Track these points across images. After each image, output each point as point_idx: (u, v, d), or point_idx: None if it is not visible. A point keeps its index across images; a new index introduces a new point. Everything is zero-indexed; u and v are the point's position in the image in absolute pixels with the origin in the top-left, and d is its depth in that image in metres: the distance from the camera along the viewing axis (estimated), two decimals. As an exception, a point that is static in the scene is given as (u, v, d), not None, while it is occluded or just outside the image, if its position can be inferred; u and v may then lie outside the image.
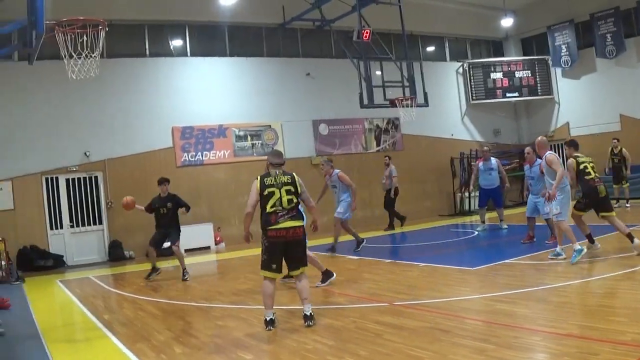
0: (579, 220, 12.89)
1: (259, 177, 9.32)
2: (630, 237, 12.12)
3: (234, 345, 8.23)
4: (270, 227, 9.06)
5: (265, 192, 9.13)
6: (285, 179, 9.30)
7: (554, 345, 6.89)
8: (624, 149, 21.96)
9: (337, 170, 16.39)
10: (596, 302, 9.15)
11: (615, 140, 22.29)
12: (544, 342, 7.09)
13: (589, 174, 12.68)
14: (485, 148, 19.56)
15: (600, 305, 8.89)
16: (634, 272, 10.71)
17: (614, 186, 21.92)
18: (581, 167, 12.77)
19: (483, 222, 19.58)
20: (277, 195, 9.13)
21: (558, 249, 12.68)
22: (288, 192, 9.21)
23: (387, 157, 22.66)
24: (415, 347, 7.46)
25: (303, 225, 9.33)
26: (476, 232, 19.25)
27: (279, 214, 9.07)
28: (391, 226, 22.27)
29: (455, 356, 6.98)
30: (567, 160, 13.17)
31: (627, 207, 21.48)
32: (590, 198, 12.72)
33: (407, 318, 9.05)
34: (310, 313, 9.05)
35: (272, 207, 9.10)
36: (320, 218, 10.71)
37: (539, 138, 13.51)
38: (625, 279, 10.42)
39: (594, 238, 12.89)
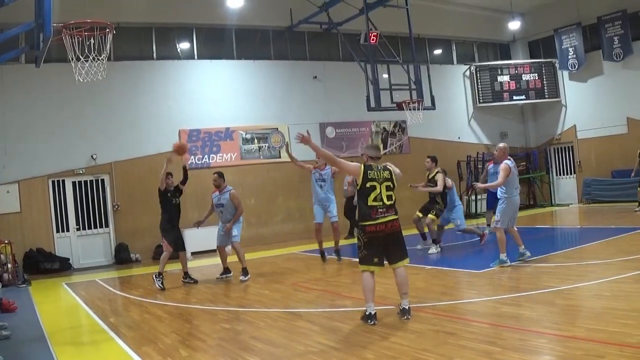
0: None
1: (363, 165, 9.19)
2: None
3: (241, 349, 8.22)
4: (369, 223, 9.01)
5: (368, 185, 9.06)
6: (386, 174, 9.23)
7: (560, 348, 6.88)
8: None
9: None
10: (603, 304, 9.10)
11: None
12: (549, 345, 7.06)
13: None
14: (495, 151, 19.36)
15: (606, 308, 8.86)
16: (643, 275, 10.70)
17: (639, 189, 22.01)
18: None
19: (489, 224, 19.56)
20: (378, 190, 9.07)
21: (520, 249, 13.16)
22: (388, 188, 9.19)
23: None
24: (422, 349, 7.47)
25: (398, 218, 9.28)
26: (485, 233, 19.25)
27: (379, 210, 9.03)
28: (351, 234, 21.97)
29: (462, 359, 7.00)
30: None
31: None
32: None
33: (414, 321, 9.03)
34: (408, 307, 9.09)
35: (373, 200, 9.05)
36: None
37: (502, 145, 13.88)
38: (633, 281, 10.38)
39: None
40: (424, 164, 16.20)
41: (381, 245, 9.13)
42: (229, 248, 15.57)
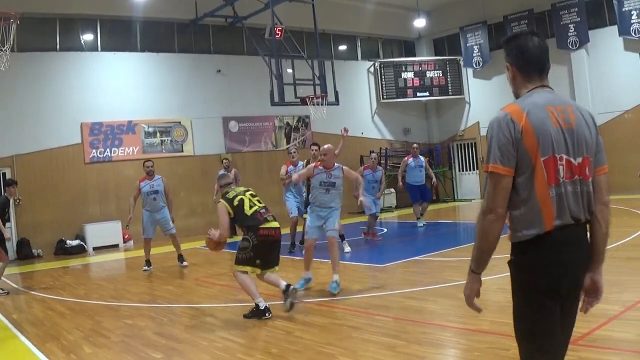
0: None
1: (222, 200, 9.67)
2: None
3: (144, 345, 8.24)
4: (263, 226, 9.41)
5: (235, 203, 9.50)
6: (242, 189, 9.83)
7: (464, 341, 7.08)
8: None
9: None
10: (507, 298, 9.31)
11: None
12: (454, 338, 7.27)
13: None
14: (414, 145, 19.74)
15: (509, 302, 9.10)
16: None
17: None
18: None
19: (419, 217, 19.85)
20: (246, 199, 9.61)
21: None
22: (252, 195, 9.76)
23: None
24: (326, 343, 7.62)
25: None
26: (419, 226, 19.53)
27: (261, 211, 9.53)
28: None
29: (366, 352, 7.15)
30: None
31: None
32: None
33: (317, 315, 9.21)
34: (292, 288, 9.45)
35: (250, 208, 9.47)
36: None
37: (327, 146, 11.93)
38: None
39: None
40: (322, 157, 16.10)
41: (266, 250, 9.48)
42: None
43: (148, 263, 15.48)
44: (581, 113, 3.71)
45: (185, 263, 15.52)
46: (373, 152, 21.05)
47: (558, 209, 3.55)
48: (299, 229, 15.71)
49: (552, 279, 3.57)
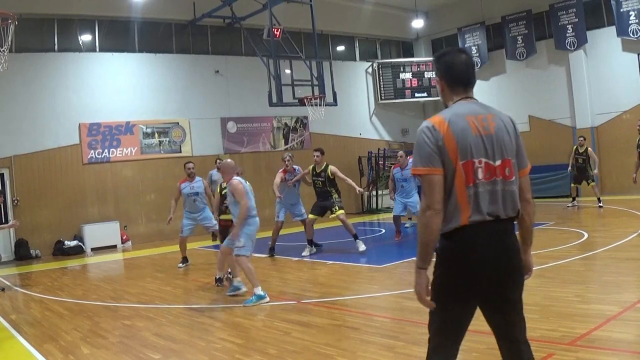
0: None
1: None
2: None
3: (142, 345, 8.25)
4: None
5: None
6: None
7: (463, 342, 7.10)
8: (589, 149, 21.54)
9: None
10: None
11: (582, 138, 21.87)
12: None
13: None
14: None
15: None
16: (544, 270, 11.09)
17: (572, 185, 22.05)
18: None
19: (410, 218, 19.92)
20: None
21: (236, 282, 11.39)
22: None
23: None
24: (324, 344, 7.63)
25: None
26: (407, 227, 19.57)
27: None
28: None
29: (364, 353, 7.16)
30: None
31: (600, 206, 20.64)
32: None
33: (316, 316, 9.22)
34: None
35: None
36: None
37: (228, 161, 12.15)
38: (534, 276, 10.74)
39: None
40: (314, 159, 16.08)
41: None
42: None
43: (184, 260, 15.66)
44: (501, 120, 4.21)
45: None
46: (398, 151, 20.68)
47: (474, 206, 4.01)
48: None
49: (466, 266, 4.03)
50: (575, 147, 21.79)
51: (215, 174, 17.76)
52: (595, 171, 21.28)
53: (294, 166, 16.34)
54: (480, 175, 4.02)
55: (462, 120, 4.05)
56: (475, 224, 4.01)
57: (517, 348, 4.46)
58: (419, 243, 4.06)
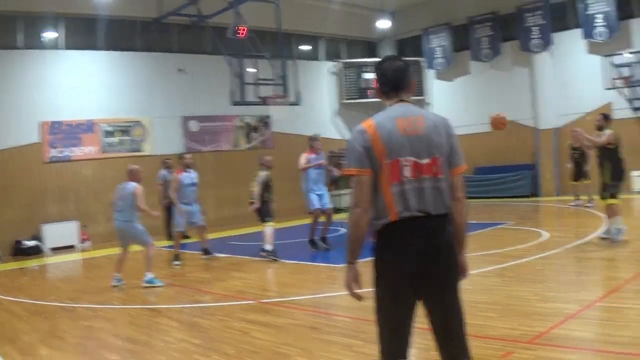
0: None
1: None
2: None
3: (101, 346, 8.26)
4: None
5: None
6: None
7: (423, 340, 7.08)
8: None
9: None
10: (465, 298, 9.42)
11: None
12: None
13: None
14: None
15: (469, 302, 9.15)
16: (503, 269, 11.24)
17: (573, 183, 21.39)
18: None
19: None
20: None
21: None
22: None
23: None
24: (283, 344, 7.67)
25: None
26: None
27: None
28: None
29: (324, 353, 7.22)
30: None
31: (589, 206, 20.07)
32: None
33: (275, 315, 9.28)
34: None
35: None
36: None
37: (134, 167, 13.42)
38: (494, 275, 10.89)
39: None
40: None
41: None
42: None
43: (178, 257, 15.56)
44: (432, 121, 4.45)
45: (213, 255, 16.00)
46: None
47: (402, 202, 4.24)
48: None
49: (396, 261, 4.26)
50: (570, 142, 21.17)
51: (167, 174, 17.81)
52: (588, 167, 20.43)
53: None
54: (407, 173, 4.25)
55: (391, 123, 4.33)
56: (405, 219, 4.24)
57: (450, 344, 4.57)
58: (348, 239, 4.40)
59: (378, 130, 4.28)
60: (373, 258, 4.39)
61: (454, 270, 4.44)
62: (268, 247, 14.98)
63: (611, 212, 13.17)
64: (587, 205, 20.11)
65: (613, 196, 13.14)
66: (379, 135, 4.25)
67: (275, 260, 14.55)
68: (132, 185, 12.67)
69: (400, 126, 4.30)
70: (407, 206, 4.22)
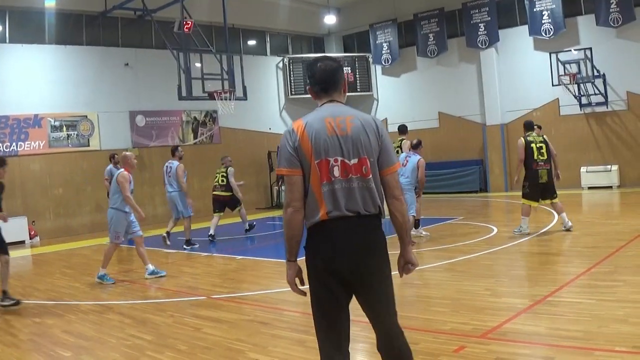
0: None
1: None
2: None
3: (53, 343, 8.25)
4: None
5: None
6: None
7: (373, 335, 7.29)
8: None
9: None
10: (415, 292, 9.65)
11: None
12: (363, 332, 7.34)
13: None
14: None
15: (419, 296, 9.43)
16: (454, 264, 11.47)
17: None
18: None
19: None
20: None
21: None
22: None
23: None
24: (235, 339, 7.77)
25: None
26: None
27: None
28: None
29: (276, 348, 7.34)
30: None
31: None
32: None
33: (226, 311, 9.35)
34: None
35: None
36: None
37: (127, 153, 13.24)
38: (444, 270, 11.11)
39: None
40: None
41: None
42: None
43: (190, 242, 16.64)
44: (361, 121, 4.46)
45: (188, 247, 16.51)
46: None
47: (331, 202, 4.32)
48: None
49: (325, 259, 4.37)
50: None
51: (114, 169, 17.89)
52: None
53: None
54: (336, 173, 4.34)
55: (319, 122, 4.41)
56: (335, 218, 4.33)
57: (385, 338, 4.87)
58: (284, 238, 4.50)
59: (306, 130, 4.37)
60: (304, 256, 4.52)
61: (381, 268, 4.52)
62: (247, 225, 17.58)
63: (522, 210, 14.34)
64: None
65: (524, 197, 14.21)
66: (307, 135, 4.35)
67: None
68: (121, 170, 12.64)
69: (328, 126, 4.39)
70: (336, 206, 4.32)
